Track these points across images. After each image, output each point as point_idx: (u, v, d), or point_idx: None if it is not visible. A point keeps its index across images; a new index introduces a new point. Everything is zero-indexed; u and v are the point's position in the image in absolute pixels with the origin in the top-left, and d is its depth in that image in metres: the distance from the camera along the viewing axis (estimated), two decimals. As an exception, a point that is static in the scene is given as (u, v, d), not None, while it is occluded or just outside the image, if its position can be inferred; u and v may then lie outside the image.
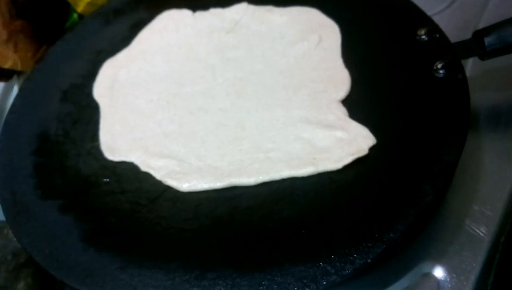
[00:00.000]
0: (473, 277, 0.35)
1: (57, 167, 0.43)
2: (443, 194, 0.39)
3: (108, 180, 0.42)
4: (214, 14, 0.55)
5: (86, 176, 0.42)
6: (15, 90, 0.61)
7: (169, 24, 0.55)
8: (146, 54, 0.52)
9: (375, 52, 0.45)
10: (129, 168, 0.42)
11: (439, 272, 0.36)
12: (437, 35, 0.43)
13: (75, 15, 0.64)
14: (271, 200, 0.37)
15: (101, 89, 0.50)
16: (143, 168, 0.41)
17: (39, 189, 0.42)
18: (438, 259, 0.36)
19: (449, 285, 0.35)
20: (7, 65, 0.58)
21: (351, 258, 0.31)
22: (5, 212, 0.40)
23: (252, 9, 0.53)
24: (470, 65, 0.49)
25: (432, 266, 0.36)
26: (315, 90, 0.44)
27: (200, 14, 0.55)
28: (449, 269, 0.36)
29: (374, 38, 0.46)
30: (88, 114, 0.48)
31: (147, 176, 0.41)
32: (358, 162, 0.37)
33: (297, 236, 0.34)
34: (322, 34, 0.48)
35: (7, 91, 0.61)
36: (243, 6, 0.54)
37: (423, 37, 0.43)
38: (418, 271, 0.36)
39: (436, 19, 0.45)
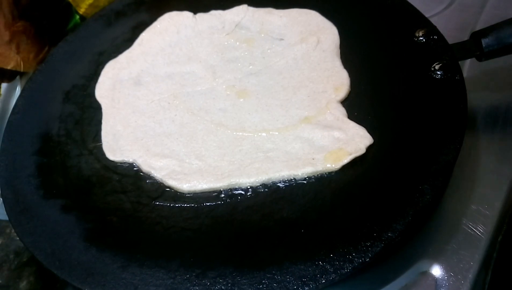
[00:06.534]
0: (470, 275, 0.35)
1: (59, 167, 0.44)
2: (441, 193, 0.39)
3: (109, 180, 0.42)
4: (215, 15, 0.55)
5: (88, 176, 0.43)
6: (18, 91, 0.62)
7: (170, 26, 0.55)
8: (147, 55, 0.53)
9: (373, 53, 0.46)
10: (131, 168, 0.42)
11: (436, 271, 0.36)
12: (435, 37, 0.43)
13: (77, 17, 0.64)
14: (271, 200, 0.37)
15: (102, 90, 0.50)
16: (145, 168, 0.42)
17: (41, 188, 0.42)
18: (436, 258, 0.37)
19: (447, 284, 0.35)
20: (9, 66, 0.58)
21: (350, 257, 0.31)
22: (8, 211, 0.41)
23: (252, 11, 0.54)
24: (468, 66, 0.49)
25: (430, 265, 0.37)
26: (315, 91, 0.44)
27: (200, 16, 0.55)
28: (446, 268, 0.36)
29: (373, 40, 0.47)
30: (90, 114, 0.48)
31: (148, 176, 0.41)
32: (357, 163, 0.38)
33: (296, 235, 0.34)
34: (321, 35, 0.49)
35: (10, 91, 0.61)
36: (243, 8, 0.54)
37: (421, 38, 0.44)
38: (416, 269, 0.37)
39: (434, 20, 0.45)
